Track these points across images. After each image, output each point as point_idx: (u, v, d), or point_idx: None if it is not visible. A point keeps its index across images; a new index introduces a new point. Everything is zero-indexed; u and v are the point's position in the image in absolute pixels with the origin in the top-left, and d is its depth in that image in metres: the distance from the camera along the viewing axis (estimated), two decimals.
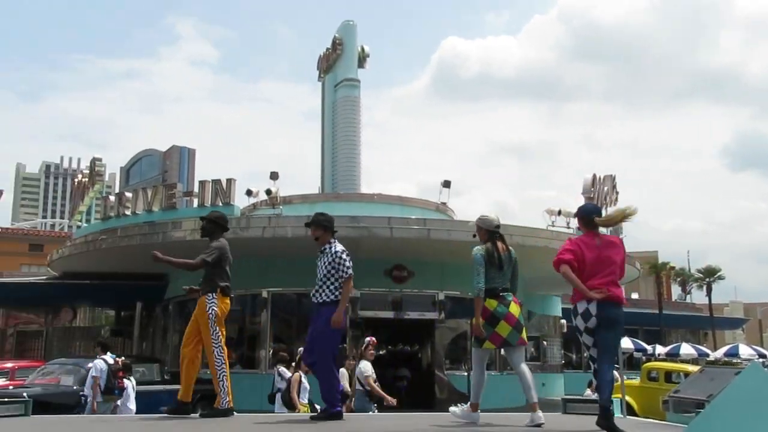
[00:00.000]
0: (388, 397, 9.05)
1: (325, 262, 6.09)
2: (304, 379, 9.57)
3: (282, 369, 11.59)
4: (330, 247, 6.17)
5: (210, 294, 6.37)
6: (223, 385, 6.23)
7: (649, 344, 29.44)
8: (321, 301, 6.03)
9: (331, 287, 6.04)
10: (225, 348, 6.38)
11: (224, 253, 6.50)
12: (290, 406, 9.51)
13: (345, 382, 9.71)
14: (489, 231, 5.91)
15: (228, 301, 6.50)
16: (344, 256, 6.08)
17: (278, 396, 11.01)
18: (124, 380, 10.38)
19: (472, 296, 5.76)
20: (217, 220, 6.79)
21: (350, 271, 6.06)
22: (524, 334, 5.86)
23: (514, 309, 5.70)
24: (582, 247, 5.42)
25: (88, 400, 10.15)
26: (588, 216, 5.62)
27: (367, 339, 10.03)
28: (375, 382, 9.34)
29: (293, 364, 10.13)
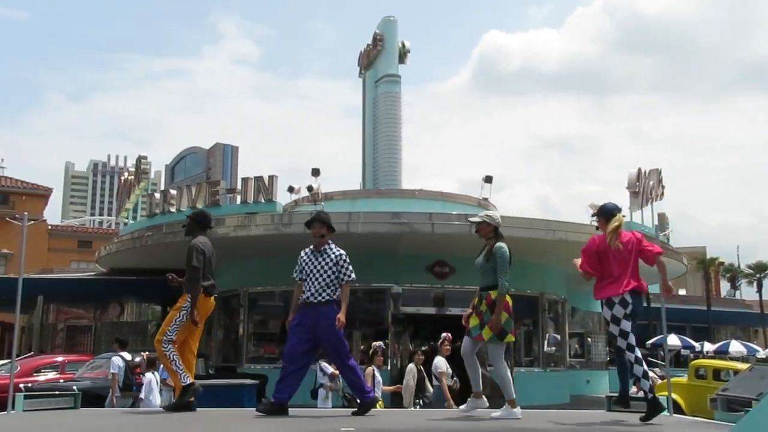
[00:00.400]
0: (450, 400, 8.93)
1: (327, 263, 6.13)
2: (377, 373, 9.59)
3: (324, 364, 11.64)
4: (331, 249, 6.24)
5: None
6: (177, 366, 6.10)
7: (697, 341, 28.84)
8: (323, 300, 6.03)
9: (334, 288, 6.09)
10: (174, 342, 6.24)
11: (204, 252, 6.51)
12: None
13: (409, 378, 9.69)
14: (496, 228, 6.11)
15: (212, 301, 6.52)
16: (347, 259, 6.20)
17: (320, 391, 11.06)
18: (146, 375, 10.39)
19: (501, 293, 5.87)
20: (196, 218, 6.89)
21: (353, 275, 6.17)
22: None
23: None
24: (604, 244, 5.69)
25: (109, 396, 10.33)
26: (608, 215, 5.84)
27: (443, 335, 10.02)
28: (452, 378, 9.31)
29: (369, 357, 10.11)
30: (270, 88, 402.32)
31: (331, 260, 6.15)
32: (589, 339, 23.78)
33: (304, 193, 19.85)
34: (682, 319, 30.57)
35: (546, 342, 19.39)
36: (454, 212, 18.05)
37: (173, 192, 21.05)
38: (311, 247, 6.30)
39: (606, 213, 5.82)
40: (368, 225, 15.93)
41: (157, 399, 10.06)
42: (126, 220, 26.00)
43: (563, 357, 20.22)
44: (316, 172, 19.42)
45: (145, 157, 24.80)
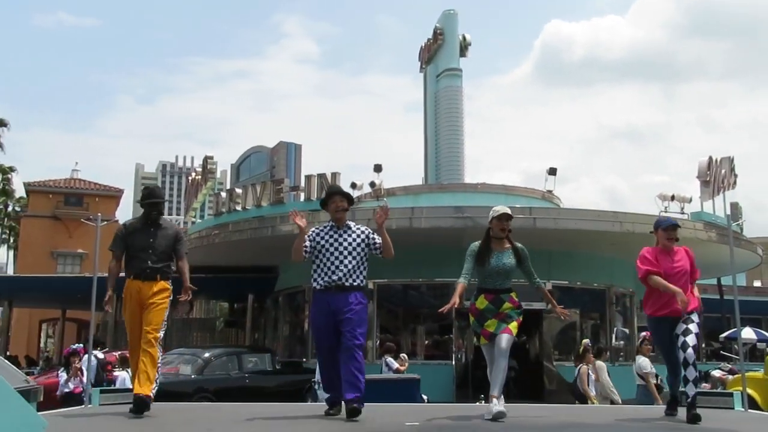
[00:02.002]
0: (659, 398, 8.82)
1: (355, 240, 5.41)
2: (591, 371, 9.54)
3: (389, 359, 11.71)
4: (356, 226, 5.55)
5: (170, 281, 5.94)
6: (155, 377, 5.59)
7: None
8: (356, 284, 5.34)
9: (362, 269, 5.43)
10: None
11: (118, 235, 6.02)
12: (582, 398, 9.43)
13: (604, 375, 9.64)
14: None
15: (137, 285, 5.87)
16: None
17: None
18: (119, 373, 10.47)
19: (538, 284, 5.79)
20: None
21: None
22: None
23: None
24: (658, 257, 5.62)
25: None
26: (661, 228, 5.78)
27: (643, 333, 9.95)
28: (656, 377, 9.25)
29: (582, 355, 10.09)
30: (332, 85, 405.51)
31: (359, 237, 5.46)
32: None
33: (367, 189, 19.94)
34: (757, 311, 29.54)
35: (614, 335, 19.04)
36: (517, 205, 17.85)
37: (239, 191, 21.42)
38: (328, 223, 5.56)
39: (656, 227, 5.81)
40: (431, 220, 15.91)
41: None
42: (194, 219, 26.60)
43: (632, 351, 19.81)
44: (378, 168, 19.49)
45: (212, 157, 25.30)
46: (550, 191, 22.22)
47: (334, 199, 5.54)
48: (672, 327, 5.47)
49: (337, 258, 5.33)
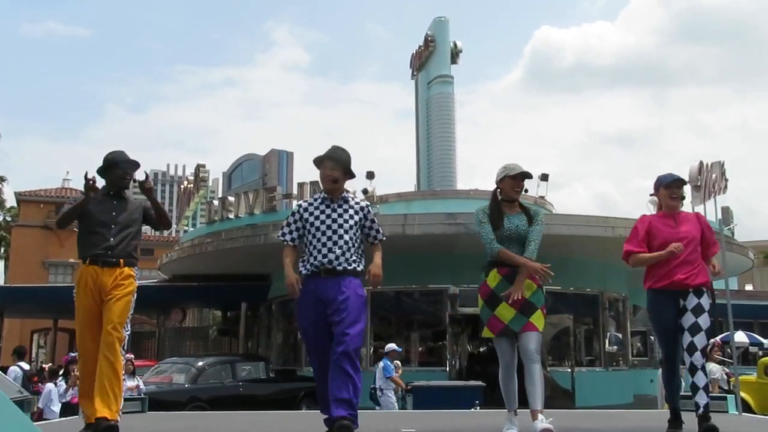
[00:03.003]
0: None
1: (350, 216, 4.43)
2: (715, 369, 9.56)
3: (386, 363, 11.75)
4: (354, 199, 4.56)
5: (136, 267, 4.77)
6: (117, 392, 4.40)
7: (765, 338, 27.98)
8: (350, 268, 4.32)
9: (359, 252, 4.45)
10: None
11: (65, 209, 4.92)
12: None
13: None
14: None
15: (92, 270, 4.67)
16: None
17: (386, 392, 11.22)
18: (46, 385, 10.36)
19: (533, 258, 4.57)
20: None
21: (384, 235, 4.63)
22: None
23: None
24: (656, 226, 4.74)
25: None
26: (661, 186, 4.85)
27: (712, 341, 9.93)
28: (728, 382, 9.22)
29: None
30: (322, 93, 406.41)
31: (355, 212, 4.47)
32: (652, 337, 23.26)
33: (360, 196, 19.92)
34: (749, 315, 29.67)
35: (607, 341, 19.07)
36: None
37: (231, 199, 21.37)
38: (318, 196, 4.58)
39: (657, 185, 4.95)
40: (424, 226, 15.93)
41: (56, 408, 9.84)
42: (186, 228, 26.53)
43: (625, 356, 19.86)
44: (370, 175, 19.51)
45: (204, 166, 25.21)
46: (542, 197, 22.27)
47: (324, 165, 4.49)
48: (675, 304, 4.57)
49: (329, 237, 4.34)
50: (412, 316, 18.49)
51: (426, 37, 28.66)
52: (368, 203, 4.64)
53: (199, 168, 25.18)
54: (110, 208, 4.77)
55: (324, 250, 4.32)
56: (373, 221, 4.54)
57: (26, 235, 38.27)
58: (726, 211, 21.77)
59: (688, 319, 4.50)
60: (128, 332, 4.70)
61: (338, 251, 4.31)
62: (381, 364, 11.48)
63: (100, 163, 4.90)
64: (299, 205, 4.59)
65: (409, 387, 11.64)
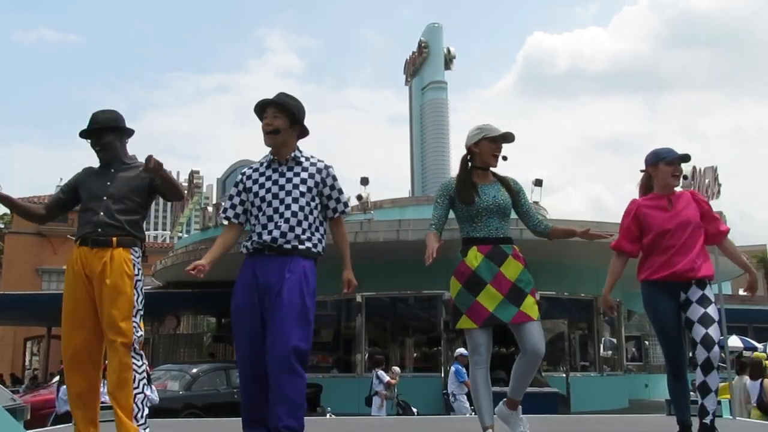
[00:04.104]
0: None
1: (305, 183, 3.49)
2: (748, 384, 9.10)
3: (380, 372, 11.75)
4: (309, 160, 3.59)
5: (134, 248, 3.91)
6: (143, 406, 3.73)
7: (759, 342, 28.07)
8: (301, 247, 3.41)
9: (319, 228, 3.53)
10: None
11: (64, 187, 4.20)
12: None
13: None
14: None
15: (81, 251, 3.86)
16: (336, 175, 3.64)
17: (375, 399, 11.15)
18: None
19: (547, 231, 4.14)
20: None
21: (349, 205, 3.78)
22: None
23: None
24: (648, 212, 4.15)
25: None
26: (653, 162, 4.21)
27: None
28: None
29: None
30: (315, 99, 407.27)
31: (309, 176, 3.51)
32: (647, 342, 23.32)
33: (354, 201, 19.92)
34: (743, 319, 29.80)
35: (602, 346, 19.09)
36: None
37: None
38: (264, 159, 3.64)
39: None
40: (418, 232, 15.92)
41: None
42: (180, 234, 26.49)
43: (620, 361, 19.88)
44: (364, 181, 19.49)
45: (198, 172, 25.25)
46: (536, 202, 22.27)
47: (266, 113, 3.54)
48: (675, 298, 3.99)
49: (275, 209, 3.44)
50: (407, 321, 18.49)
51: (420, 43, 28.75)
52: (328, 164, 3.64)
53: (192, 174, 25.19)
54: (106, 178, 3.99)
55: (270, 226, 3.43)
56: (332, 187, 3.57)
57: (19, 242, 38.13)
58: (719, 216, 21.83)
59: (695, 311, 3.89)
60: (140, 333, 3.78)
61: (285, 225, 3.40)
62: (453, 368, 11.55)
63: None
64: (240, 177, 3.64)
65: None
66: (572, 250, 16.17)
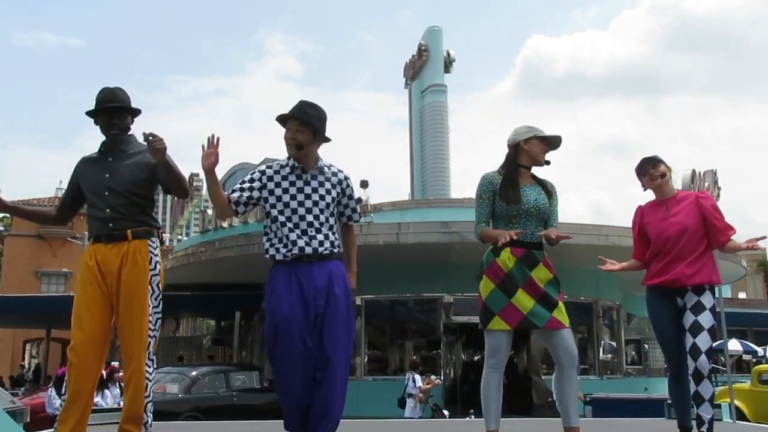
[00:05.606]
0: None
1: (330, 193, 3.60)
2: None
3: (416, 376, 11.96)
4: (331, 169, 3.68)
5: (152, 239, 3.80)
6: (150, 415, 3.76)
7: (759, 346, 28.06)
8: (328, 252, 3.52)
9: (335, 230, 3.65)
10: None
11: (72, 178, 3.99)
12: None
13: None
14: None
15: (96, 249, 3.71)
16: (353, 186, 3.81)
17: (408, 400, 11.39)
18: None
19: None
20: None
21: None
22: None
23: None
24: (647, 220, 4.20)
25: None
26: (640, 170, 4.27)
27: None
28: None
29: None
30: (314, 101, 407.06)
31: (332, 186, 3.63)
32: (646, 345, 23.31)
33: None
34: (742, 323, 29.77)
35: (601, 349, 19.08)
36: None
37: None
38: (287, 163, 3.63)
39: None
40: (418, 235, 15.94)
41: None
42: (180, 237, 26.47)
43: (619, 364, 19.87)
44: (364, 184, 19.49)
45: (197, 175, 25.24)
46: None
47: (288, 125, 3.58)
48: (672, 303, 4.06)
49: (311, 217, 3.53)
50: (407, 324, 18.48)
51: (419, 47, 28.77)
52: (347, 175, 3.74)
53: (192, 177, 25.16)
54: (104, 170, 3.74)
55: (311, 232, 3.51)
56: (350, 197, 3.73)
57: (19, 244, 38.09)
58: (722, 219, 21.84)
59: (687, 319, 3.94)
60: (155, 332, 3.69)
61: (320, 236, 3.51)
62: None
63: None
64: (263, 172, 3.63)
65: (587, 399, 11.85)
66: (572, 254, 16.19)
